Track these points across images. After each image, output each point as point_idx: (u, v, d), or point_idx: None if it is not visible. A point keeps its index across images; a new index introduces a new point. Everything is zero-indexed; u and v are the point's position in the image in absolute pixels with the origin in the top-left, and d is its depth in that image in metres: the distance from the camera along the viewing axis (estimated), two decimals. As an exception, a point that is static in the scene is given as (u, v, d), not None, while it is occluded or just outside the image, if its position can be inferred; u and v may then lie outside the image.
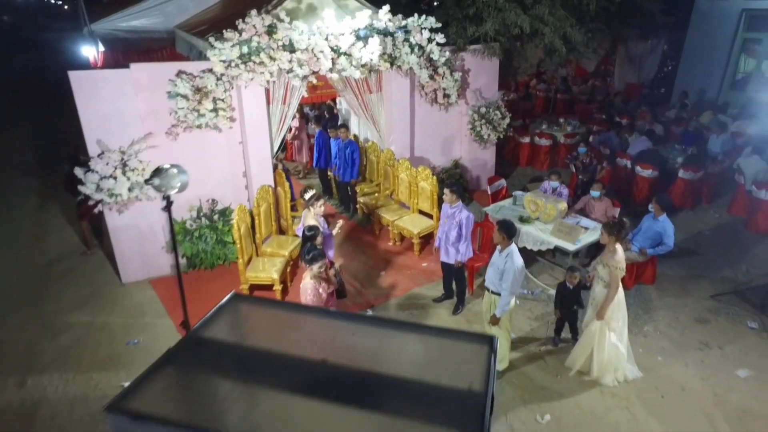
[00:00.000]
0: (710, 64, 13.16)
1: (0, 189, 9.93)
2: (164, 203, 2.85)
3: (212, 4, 9.12)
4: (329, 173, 9.18)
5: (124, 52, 8.98)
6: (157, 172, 2.77)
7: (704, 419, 4.58)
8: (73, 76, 5.61)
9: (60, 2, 63.91)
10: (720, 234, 7.95)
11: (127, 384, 4.76)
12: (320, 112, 10.96)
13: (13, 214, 8.86)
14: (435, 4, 10.17)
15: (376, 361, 1.84)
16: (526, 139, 10.79)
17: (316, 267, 4.34)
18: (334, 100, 10.70)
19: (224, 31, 5.91)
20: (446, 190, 5.68)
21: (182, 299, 3.66)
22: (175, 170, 2.76)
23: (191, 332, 2.00)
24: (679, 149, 9.27)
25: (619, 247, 4.73)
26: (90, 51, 8.07)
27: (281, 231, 7.39)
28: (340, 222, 6.14)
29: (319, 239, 4.95)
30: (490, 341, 1.90)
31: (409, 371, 1.80)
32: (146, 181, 2.79)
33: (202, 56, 6.98)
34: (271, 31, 6.03)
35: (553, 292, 5.96)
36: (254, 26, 5.93)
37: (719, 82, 13.29)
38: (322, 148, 8.89)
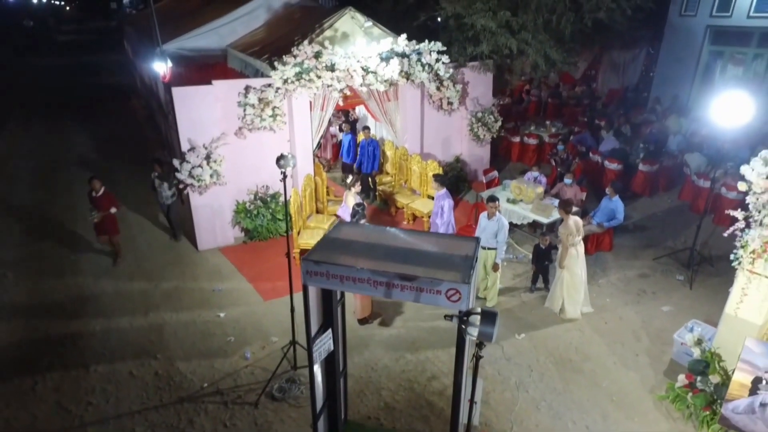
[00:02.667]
0: (682, 72, 14.99)
1: (68, 185, 11.83)
2: (282, 176, 4.74)
3: (257, 27, 11.03)
4: (354, 168, 11.07)
5: (185, 67, 10.85)
6: (281, 157, 4.63)
7: (632, 335, 6.50)
8: (175, 91, 7.53)
9: (62, 3, 64.93)
10: (669, 215, 9.87)
11: (222, 314, 6.67)
12: (344, 118, 12.84)
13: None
14: (439, 20, 11.98)
15: (417, 243, 3.75)
16: (517, 139, 12.68)
17: (362, 222, 6.25)
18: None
19: (283, 56, 7.81)
20: (433, 182, 7.59)
21: (287, 230, 5.44)
22: (290, 155, 4.63)
23: (326, 234, 3.88)
24: (642, 147, 11.15)
25: (569, 217, 6.61)
26: (161, 67, 9.91)
27: (318, 211, 9.29)
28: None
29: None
30: (476, 240, 3.80)
31: (434, 249, 3.71)
32: (276, 162, 4.62)
33: (258, 73, 8.90)
34: (317, 55, 7.93)
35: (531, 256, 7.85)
36: (305, 52, 7.83)
37: (689, 88, 15.17)
38: (350, 148, 10.78)
